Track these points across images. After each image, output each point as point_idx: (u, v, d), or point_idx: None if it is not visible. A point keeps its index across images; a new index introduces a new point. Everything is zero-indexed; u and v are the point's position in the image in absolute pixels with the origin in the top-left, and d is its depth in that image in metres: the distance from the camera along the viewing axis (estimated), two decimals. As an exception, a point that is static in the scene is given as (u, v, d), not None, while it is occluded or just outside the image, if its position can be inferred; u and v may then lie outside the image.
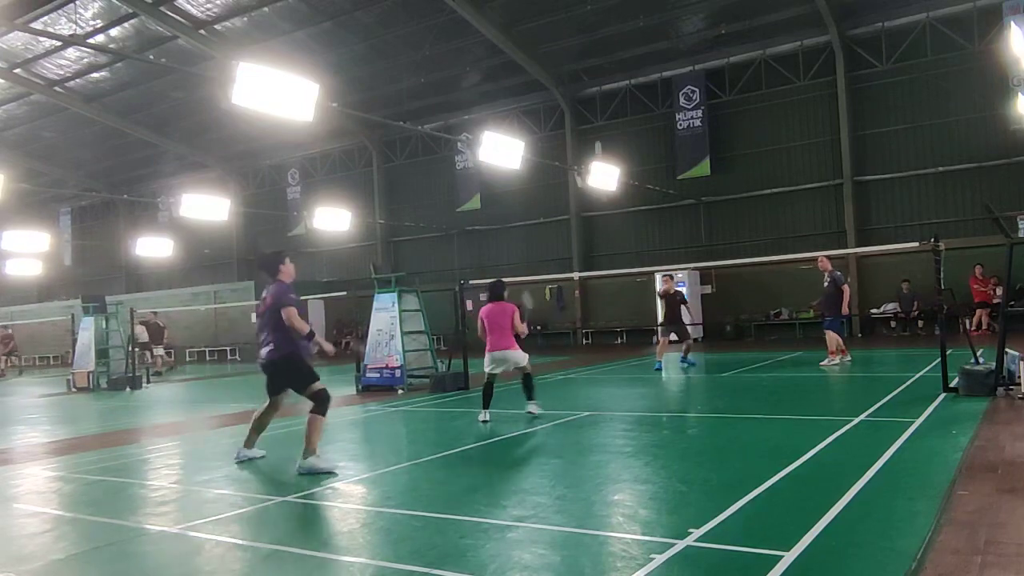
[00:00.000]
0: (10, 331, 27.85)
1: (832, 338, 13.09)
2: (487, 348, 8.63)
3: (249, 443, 7.04)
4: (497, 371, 8.69)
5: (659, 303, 16.64)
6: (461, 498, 5.39)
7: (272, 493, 5.70)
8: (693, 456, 6.58)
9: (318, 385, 6.50)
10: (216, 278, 34.18)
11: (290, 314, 6.39)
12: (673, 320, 14.22)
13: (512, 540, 4.24)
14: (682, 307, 14.35)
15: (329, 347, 6.85)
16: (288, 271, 6.78)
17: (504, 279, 9.22)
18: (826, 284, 13.03)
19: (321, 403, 6.47)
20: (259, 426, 7.05)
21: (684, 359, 14.46)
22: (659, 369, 13.61)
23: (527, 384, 8.74)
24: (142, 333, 23.25)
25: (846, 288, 13.14)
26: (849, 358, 13.22)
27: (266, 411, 7.00)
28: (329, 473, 6.17)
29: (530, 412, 8.68)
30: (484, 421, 8.54)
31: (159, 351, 22.28)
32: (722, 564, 3.73)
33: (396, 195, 30.41)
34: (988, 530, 3.89)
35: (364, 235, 30.24)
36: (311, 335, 6.59)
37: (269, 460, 7.07)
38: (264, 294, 6.75)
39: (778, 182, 22.70)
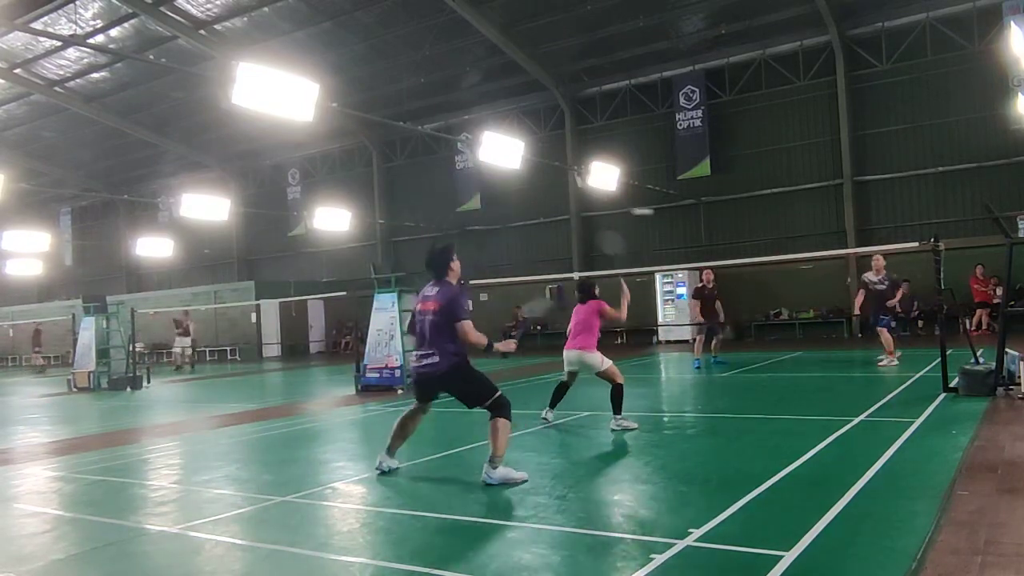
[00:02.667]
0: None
1: (887, 338, 12.68)
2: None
3: (391, 450, 6.28)
4: (570, 371, 8.18)
5: (691, 302, 15.96)
6: (461, 498, 5.39)
7: (272, 493, 5.70)
8: (693, 456, 6.58)
9: (497, 394, 5.81)
10: (216, 278, 34.19)
11: (466, 329, 5.67)
12: (710, 316, 14.21)
13: (512, 540, 4.24)
14: (717, 303, 14.34)
15: (510, 346, 6.17)
16: (456, 270, 5.98)
17: (590, 278, 8.68)
18: (883, 285, 12.65)
19: (502, 409, 5.76)
20: (402, 430, 6.27)
21: (716, 358, 14.47)
22: (699, 367, 13.63)
23: (612, 396, 7.79)
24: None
25: (905, 285, 12.76)
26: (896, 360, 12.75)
27: (411, 412, 6.29)
28: (522, 481, 5.56)
29: (612, 427, 7.67)
30: (544, 419, 8.26)
31: (186, 342, 23.59)
32: (722, 564, 3.73)
33: (396, 195, 30.41)
34: (988, 530, 3.89)
35: (364, 235, 30.23)
36: (490, 347, 5.90)
37: (269, 460, 7.07)
38: (426, 292, 5.90)
39: (778, 182, 22.70)
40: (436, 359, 5.73)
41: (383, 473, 6.15)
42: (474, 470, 6.37)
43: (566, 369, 8.20)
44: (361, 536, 4.65)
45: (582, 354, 7.94)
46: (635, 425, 7.68)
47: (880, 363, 12.70)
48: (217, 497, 5.74)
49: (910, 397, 8.83)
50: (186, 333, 23.79)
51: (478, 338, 5.76)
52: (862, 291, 13.06)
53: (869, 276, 12.99)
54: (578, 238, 25.84)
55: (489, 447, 5.68)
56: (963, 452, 5.70)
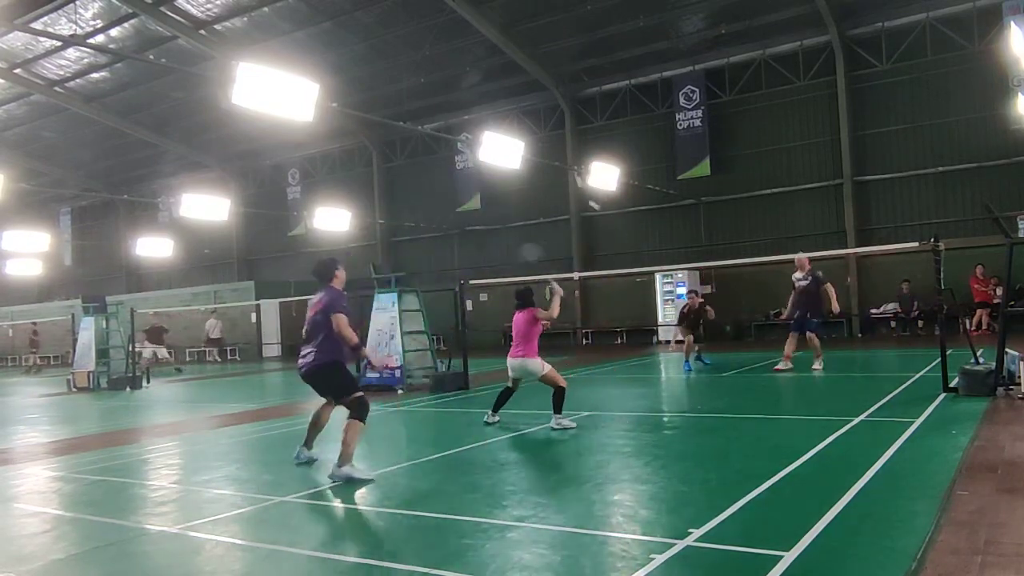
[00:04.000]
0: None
1: (815, 343, 12.55)
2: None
3: (308, 442, 6.83)
4: (514, 378, 8.40)
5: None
6: (461, 498, 5.39)
7: (272, 493, 5.70)
8: (693, 456, 6.58)
9: (357, 394, 6.33)
10: (216, 278, 34.19)
11: (341, 322, 6.24)
12: (694, 326, 14.39)
13: (512, 540, 4.24)
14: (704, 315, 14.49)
15: (378, 360, 6.55)
16: (341, 278, 6.65)
17: (527, 285, 8.95)
18: (807, 283, 12.52)
19: (359, 409, 6.22)
20: (315, 423, 6.83)
21: (699, 357, 14.62)
22: (690, 370, 13.75)
23: (554, 398, 8.06)
24: (213, 328, 25.69)
25: (829, 286, 12.62)
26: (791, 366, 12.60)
27: (322, 407, 6.83)
28: (367, 481, 5.92)
29: (552, 427, 7.94)
30: (488, 423, 8.42)
31: (162, 351, 22.39)
32: (722, 564, 3.73)
33: (396, 195, 30.41)
34: (988, 530, 3.89)
35: (364, 235, 30.23)
36: (358, 347, 6.53)
37: (269, 460, 7.08)
38: (314, 298, 6.55)
39: (778, 182, 22.70)
40: (312, 356, 6.32)
41: (301, 464, 6.65)
42: (474, 470, 6.37)
43: (510, 375, 8.43)
44: (361, 536, 4.65)
45: (524, 361, 8.22)
46: (573, 424, 7.98)
47: (777, 368, 12.56)
48: (217, 497, 5.74)
49: (910, 397, 8.83)
50: (157, 341, 22.12)
51: (351, 334, 6.32)
52: (793, 292, 12.89)
53: (796, 275, 12.84)
54: (578, 238, 25.83)
55: (340, 447, 6.03)
56: (963, 452, 5.70)
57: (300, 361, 6.45)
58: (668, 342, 21.95)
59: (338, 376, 6.42)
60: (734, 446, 6.78)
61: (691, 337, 14.36)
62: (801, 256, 13.02)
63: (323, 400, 6.76)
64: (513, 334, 8.42)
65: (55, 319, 28.51)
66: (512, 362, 8.30)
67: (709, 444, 7.10)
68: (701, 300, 15.16)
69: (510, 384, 8.52)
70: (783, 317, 15.23)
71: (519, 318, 8.33)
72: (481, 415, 8.71)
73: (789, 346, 12.73)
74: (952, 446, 5.96)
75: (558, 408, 8.03)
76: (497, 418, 8.51)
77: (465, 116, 27.52)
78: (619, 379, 14.03)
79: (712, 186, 23.42)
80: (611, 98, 25.49)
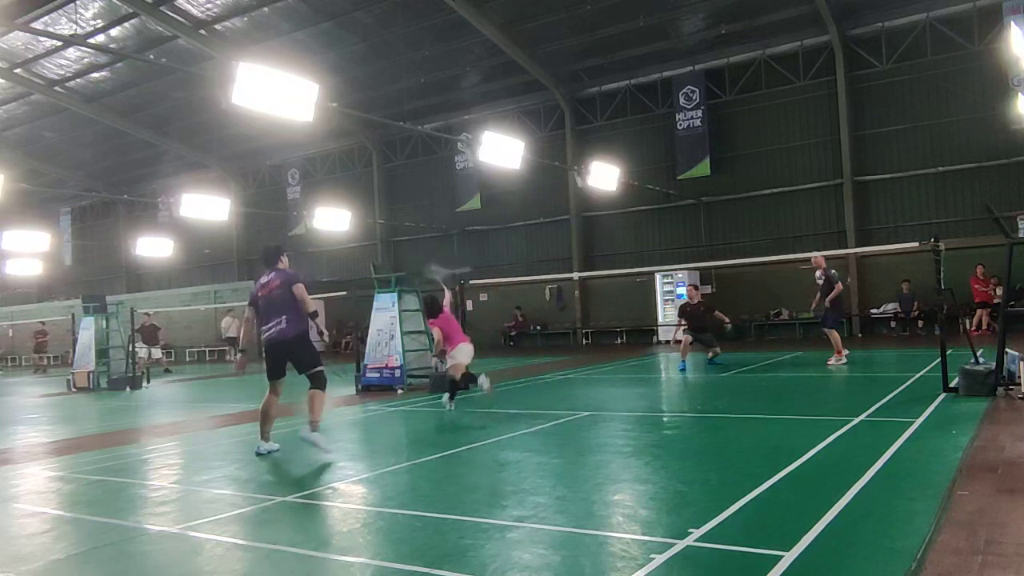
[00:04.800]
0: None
1: (836, 337, 13.08)
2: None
3: (265, 435, 7.27)
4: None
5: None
6: (461, 498, 5.39)
7: (272, 493, 5.69)
8: (693, 456, 6.58)
9: (321, 366, 7.08)
10: (216, 278, 34.19)
11: (301, 290, 6.98)
12: (701, 326, 14.55)
13: (512, 540, 4.24)
14: (711, 314, 14.79)
15: (325, 334, 7.54)
16: (285, 263, 7.46)
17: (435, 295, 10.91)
18: (823, 282, 13.14)
19: (321, 380, 7.08)
20: (268, 416, 7.28)
21: (712, 360, 14.68)
22: (684, 369, 13.79)
23: (449, 385, 9.83)
24: (229, 327, 25.87)
25: (839, 286, 13.19)
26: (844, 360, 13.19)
27: (270, 399, 7.28)
28: (325, 453, 6.84)
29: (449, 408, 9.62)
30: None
31: (156, 352, 22.34)
32: (722, 564, 3.73)
33: (396, 195, 30.41)
34: (988, 530, 3.89)
35: (364, 235, 30.23)
36: (315, 314, 7.14)
37: (268, 460, 7.07)
38: (264, 280, 7.22)
39: (778, 182, 22.70)
40: (284, 325, 6.99)
41: (262, 455, 7.11)
42: (474, 470, 6.37)
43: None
44: (361, 536, 4.65)
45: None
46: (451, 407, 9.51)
47: (830, 363, 13.02)
48: (217, 497, 5.74)
49: (910, 397, 8.83)
50: (151, 341, 21.92)
51: (311, 302, 7.11)
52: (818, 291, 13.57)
53: (816, 274, 13.51)
54: (578, 238, 25.83)
55: (309, 414, 7.03)
56: (963, 452, 5.70)
57: (269, 332, 7.03)
58: (668, 341, 21.95)
59: (310, 346, 7.17)
60: (734, 446, 6.77)
61: (688, 337, 14.33)
62: (816, 256, 13.81)
63: (268, 393, 7.27)
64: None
65: (55, 319, 28.51)
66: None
67: (709, 444, 7.10)
68: (700, 299, 15.18)
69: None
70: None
71: (435, 323, 10.09)
72: (481, 415, 8.72)
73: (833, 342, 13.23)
74: (952, 446, 5.95)
75: (452, 395, 9.72)
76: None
77: (465, 116, 27.51)
78: (619, 379, 14.02)
79: (712, 186, 23.42)
80: (611, 98, 25.48)
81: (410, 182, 29.99)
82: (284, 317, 6.98)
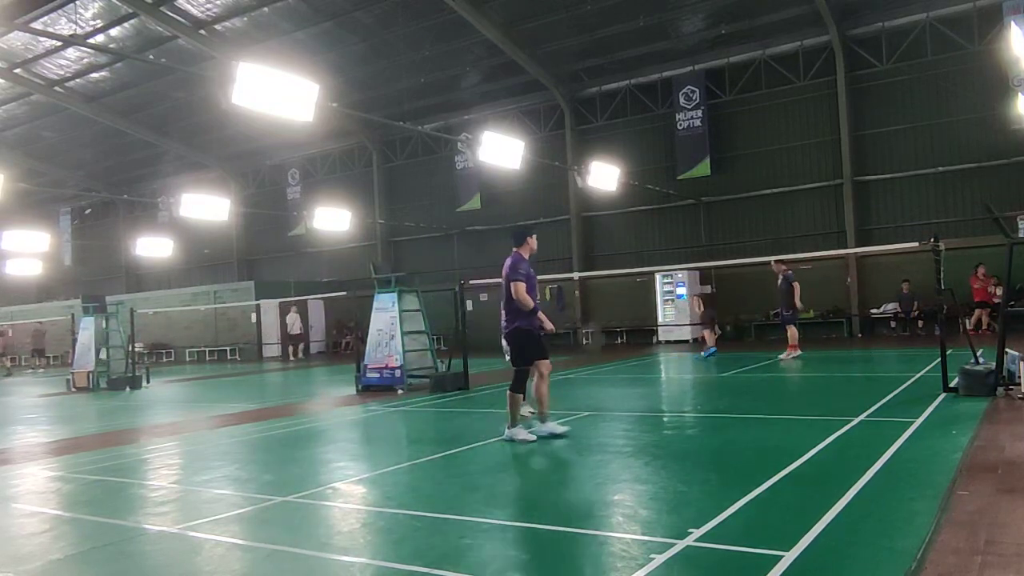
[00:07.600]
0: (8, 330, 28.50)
1: (793, 332, 14.81)
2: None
3: (543, 418, 7.24)
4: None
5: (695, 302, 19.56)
6: (461, 498, 5.39)
7: (272, 493, 5.69)
8: (693, 456, 6.57)
9: (523, 367, 7.02)
10: (216, 278, 34.18)
11: (517, 288, 6.96)
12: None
13: (512, 540, 4.24)
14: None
15: (549, 325, 7.17)
16: (531, 245, 7.50)
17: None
18: (780, 283, 14.98)
19: (517, 381, 7.03)
20: (540, 397, 7.22)
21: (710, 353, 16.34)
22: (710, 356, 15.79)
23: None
24: (294, 323, 26.52)
25: (796, 285, 14.84)
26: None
27: (537, 380, 7.19)
28: (527, 442, 6.87)
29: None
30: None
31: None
32: (722, 564, 3.73)
33: (396, 195, 30.41)
34: (988, 530, 3.89)
35: (364, 235, 30.22)
36: (535, 311, 7.03)
37: (269, 460, 7.07)
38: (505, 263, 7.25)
39: (778, 182, 22.69)
40: (504, 321, 7.26)
41: (545, 436, 7.12)
42: (474, 470, 6.37)
43: None
44: (361, 536, 4.65)
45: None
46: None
47: (782, 358, 14.51)
48: (217, 497, 5.73)
49: (910, 397, 8.83)
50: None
51: (525, 299, 7.03)
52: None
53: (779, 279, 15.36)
54: (578, 238, 25.83)
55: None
56: (963, 452, 5.69)
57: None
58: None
59: (518, 343, 7.15)
60: (734, 446, 6.77)
61: (707, 331, 16.21)
62: (772, 260, 15.70)
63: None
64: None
65: (55, 319, 28.50)
66: None
67: (709, 444, 7.10)
68: (700, 298, 15.99)
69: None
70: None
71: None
72: (481, 415, 8.71)
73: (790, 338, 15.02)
74: (952, 446, 5.95)
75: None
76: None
77: (465, 116, 27.50)
78: (619, 379, 14.03)
79: (712, 186, 23.42)
80: (611, 98, 25.48)
81: (410, 182, 29.99)
82: (506, 311, 7.17)
